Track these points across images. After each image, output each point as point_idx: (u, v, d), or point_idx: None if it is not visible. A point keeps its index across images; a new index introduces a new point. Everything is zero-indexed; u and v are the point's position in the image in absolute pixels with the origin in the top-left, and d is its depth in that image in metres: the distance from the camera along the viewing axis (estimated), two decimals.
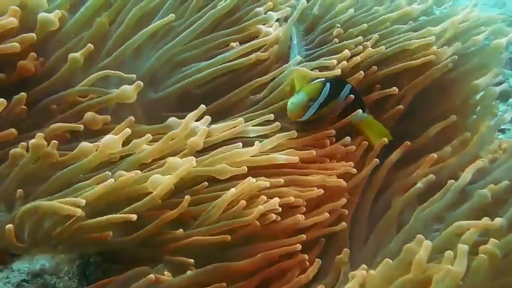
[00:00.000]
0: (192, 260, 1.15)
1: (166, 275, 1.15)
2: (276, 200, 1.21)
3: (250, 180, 1.20)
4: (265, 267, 1.20)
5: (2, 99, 1.12)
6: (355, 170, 1.40)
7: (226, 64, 1.47)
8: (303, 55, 1.59)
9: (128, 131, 1.15)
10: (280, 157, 1.31)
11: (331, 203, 1.33)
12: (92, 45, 1.27)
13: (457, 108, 1.66)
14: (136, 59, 1.43)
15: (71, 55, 1.26)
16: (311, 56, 1.60)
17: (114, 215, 1.11)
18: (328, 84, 1.45)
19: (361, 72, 1.54)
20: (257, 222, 1.19)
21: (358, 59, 1.54)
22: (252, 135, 1.36)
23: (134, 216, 1.10)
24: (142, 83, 1.27)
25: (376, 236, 1.41)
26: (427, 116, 1.66)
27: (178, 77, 1.46)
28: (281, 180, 1.26)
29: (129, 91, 1.26)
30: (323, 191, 1.30)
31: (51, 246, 1.13)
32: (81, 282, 1.14)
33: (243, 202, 1.19)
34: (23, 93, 1.20)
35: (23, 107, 1.22)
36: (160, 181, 1.11)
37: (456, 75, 1.66)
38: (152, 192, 1.13)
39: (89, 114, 1.24)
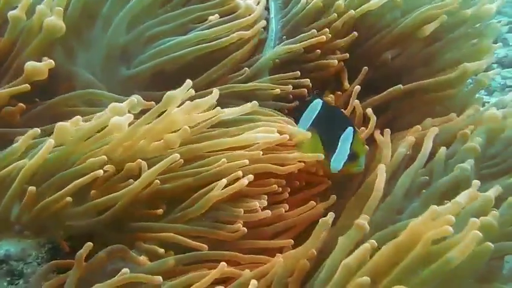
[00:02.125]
0: (163, 250, 1.10)
1: (144, 260, 1.10)
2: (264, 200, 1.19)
3: (241, 181, 1.14)
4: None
5: None
6: None
7: (206, 45, 1.40)
8: (279, 29, 1.53)
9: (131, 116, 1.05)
10: (259, 135, 1.23)
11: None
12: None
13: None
14: (105, 31, 1.34)
15: (10, 13, 1.18)
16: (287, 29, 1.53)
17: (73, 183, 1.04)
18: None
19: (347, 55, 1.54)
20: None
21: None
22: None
23: (100, 172, 1.04)
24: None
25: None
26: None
27: (153, 52, 1.37)
28: (260, 152, 1.20)
29: (54, 20, 1.19)
30: (303, 164, 1.27)
31: (15, 231, 1.08)
32: None
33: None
34: None
35: None
36: (120, 122, 1.03)
37: (441, 46, 1.58)
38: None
39: (29, 64, 1.14)
